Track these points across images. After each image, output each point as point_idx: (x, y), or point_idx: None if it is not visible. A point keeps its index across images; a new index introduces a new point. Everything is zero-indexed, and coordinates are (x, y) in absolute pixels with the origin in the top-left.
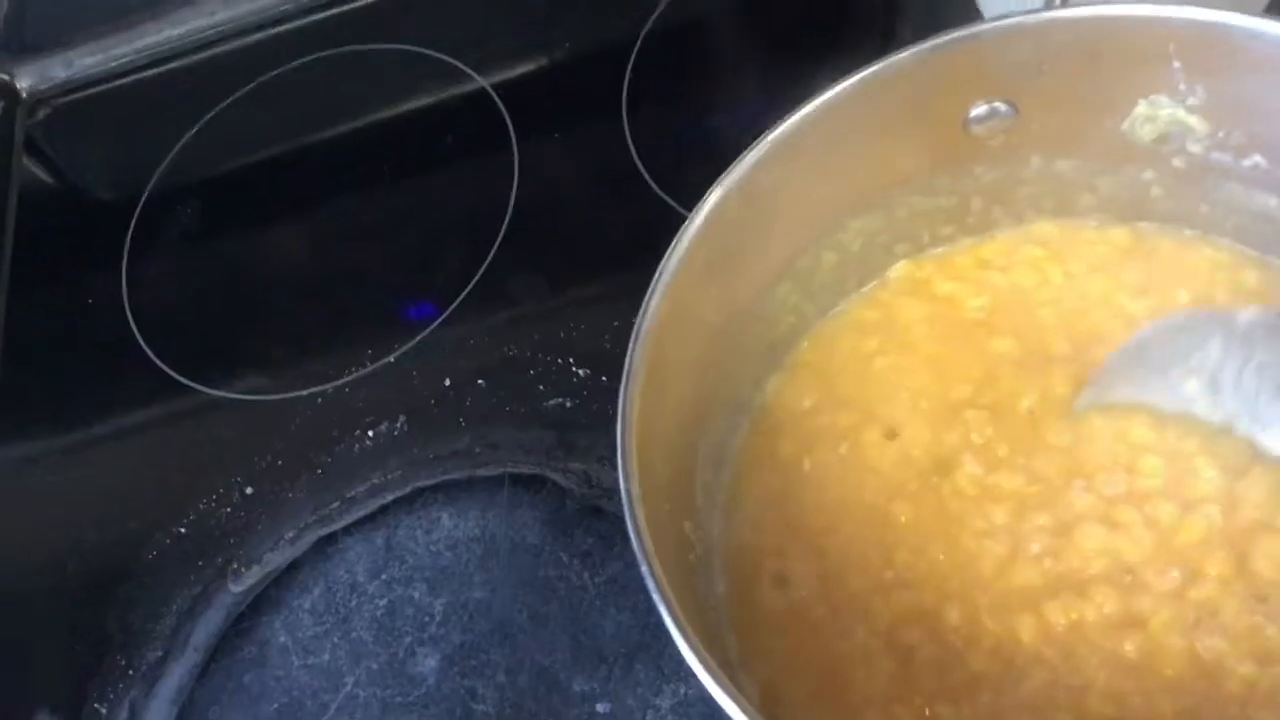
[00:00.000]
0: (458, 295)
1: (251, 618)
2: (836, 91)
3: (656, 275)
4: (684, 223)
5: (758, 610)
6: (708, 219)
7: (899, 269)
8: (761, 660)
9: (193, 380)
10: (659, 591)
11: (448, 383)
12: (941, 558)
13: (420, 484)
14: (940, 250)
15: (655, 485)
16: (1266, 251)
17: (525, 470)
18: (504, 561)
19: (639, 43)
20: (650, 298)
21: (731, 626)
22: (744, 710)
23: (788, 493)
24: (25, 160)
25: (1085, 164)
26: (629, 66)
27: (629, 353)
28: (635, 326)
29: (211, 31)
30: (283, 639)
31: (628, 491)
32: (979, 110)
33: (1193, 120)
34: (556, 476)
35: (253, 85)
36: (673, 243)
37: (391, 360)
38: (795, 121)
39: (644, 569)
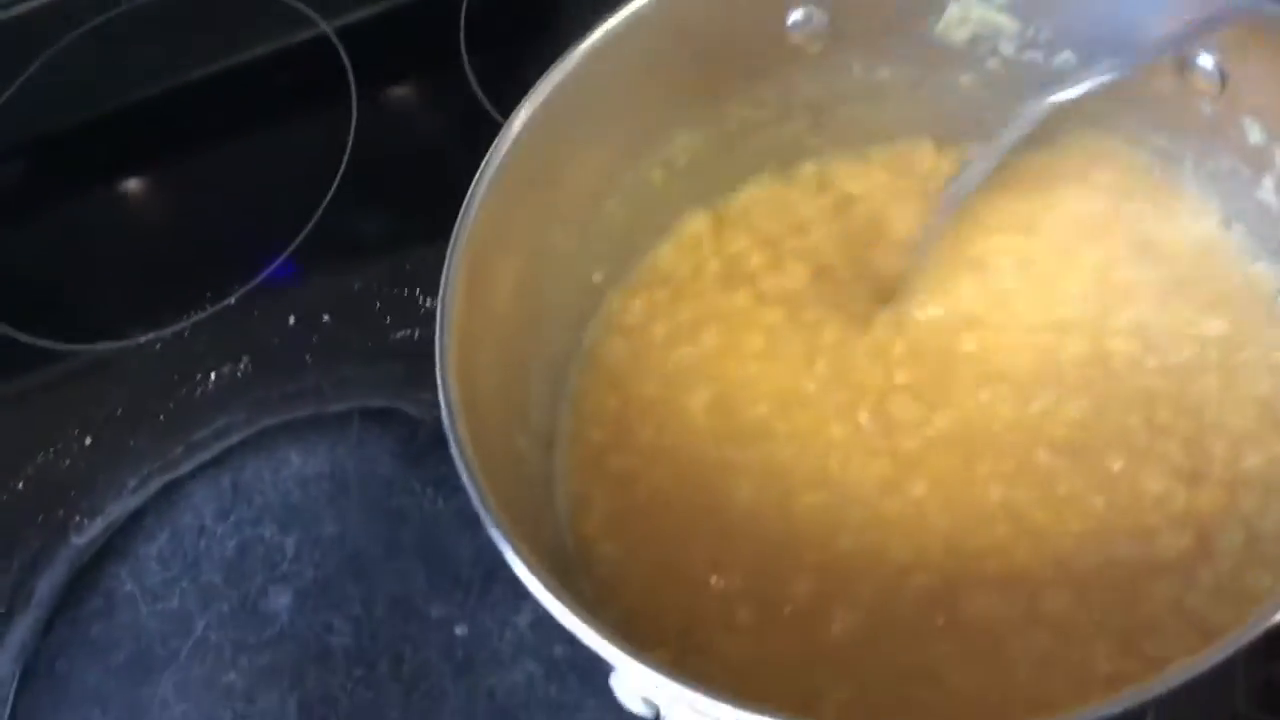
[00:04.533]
0: (297, 235)
1: (96, 569)
2: None
3: (473, 185)
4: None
5: (597, 513)
6: (524, 129)
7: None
8: (599, 563)
9: (24, 333)
10: (478, 493)
11: (292, 321)
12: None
13: (266, 424)
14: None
15: (482, 397)
16: None
17: (376, 404)
18: (355, 495)
19: None
20: (466, 208)
21: (570, 532)
22: (575, 615)
23: (625, 398)
24: None
25: (903, 71)
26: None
27: (445, 264)
28: (452, 237)
29: None
30: (129, 588)
31: (447, 402)
32: (796, 15)
33: (1003, 19)
34: (408, 407)
35: (75, 35)
36: (488, 153)
37: (232, 302)
38: (611, 27)
39: (464, 475)
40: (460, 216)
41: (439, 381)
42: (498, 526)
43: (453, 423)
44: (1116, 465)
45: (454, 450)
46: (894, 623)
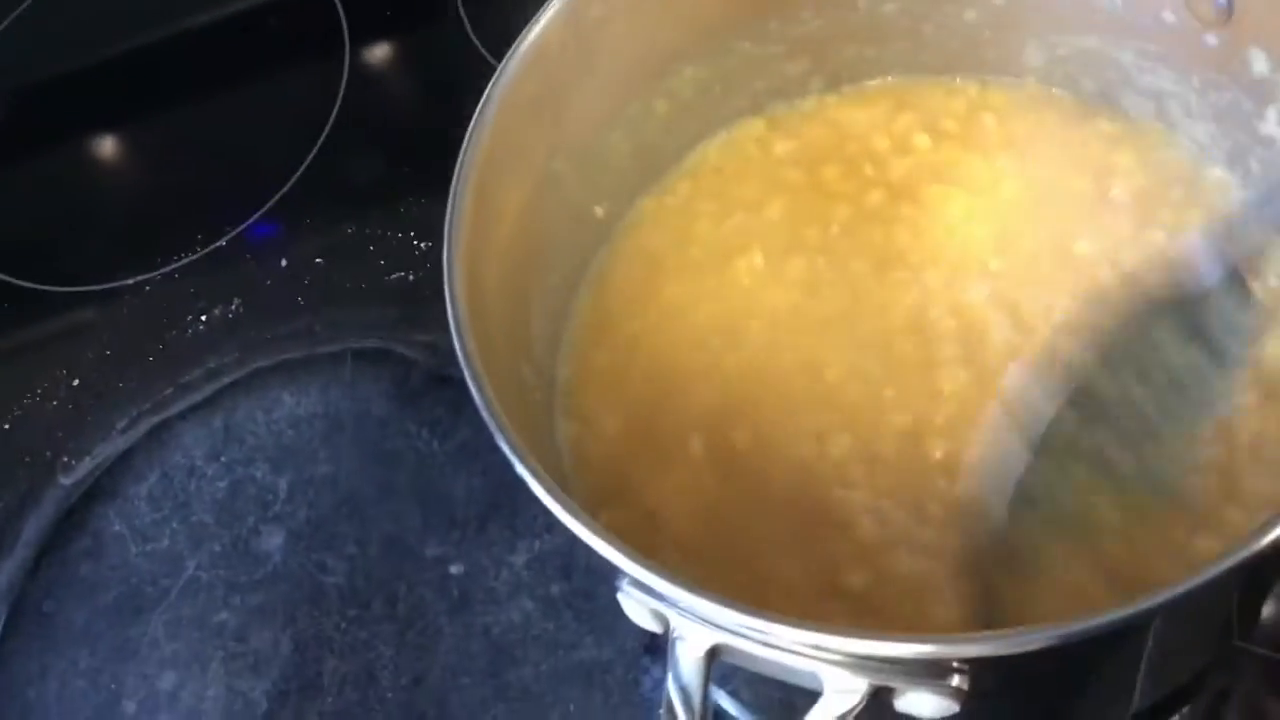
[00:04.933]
0: (289, 180)
1: (84, 509)
2: None
3: (478, 109)
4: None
5: (601, 443)
6: (530, 52)
7: (737, 125)
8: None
9: (11, 276)
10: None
11: (284, 264)
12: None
13: (258, 365)
14: (776, 106)
15: (489, 322)
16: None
17: (369, 345)
18: (349, 435)
19: None
20: (472, 133)
21: (572, 469)
22: (599, 535)
23: (627, 329)
24: None
25: (907, 6)
26: None
27: (451, 191)
28: (458, 162)
29: None
30: (118, 528)
31: (455, 318)
32: None
33: None
34: (401, 349)
35: None
36: (494, 77)
37: (223, 244)
38: None
39: (478, 400)
40: (465, 141)
41: (447, 296)
42: (507, 439)
43: (461, 337)
44: None
45: (461, 359)
46: None
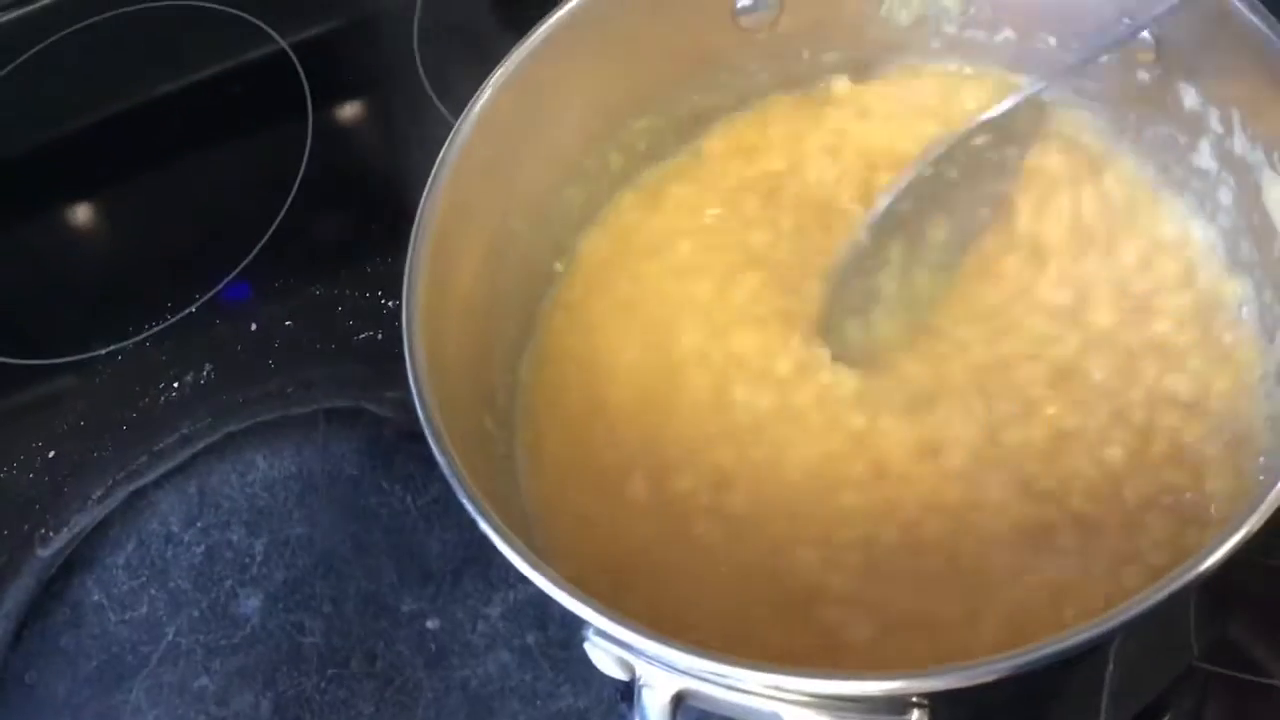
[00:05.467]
0: (256, 245)
1: (63, 580)
2: None
3: (433, 173)
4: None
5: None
6: (482, 116)
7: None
8: (564, 557)
9: None
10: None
11: (254, 327)
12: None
13: (231, 429)
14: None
15: (450, 375)
16: None
17: (340, 404)
18: (323, 495)
19: None
20: (427, 196)
21: (536, 519)
22: (561, 587)
23: (584, 379)
24: None
25: (851, 54)
26: (416, 13)
27: (409, 253)
28: (414, 225)
29: None
30: (97, 597)
31: (416, 381)
32: (745, 1)
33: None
34: (373, 406)
35: (32, 53)
36: (447, 140)
37: (193, 311)
38: (565, 12)
39: (440, 457)
40: (421, 205)
41: (406, 355)
42: (468, 494)
43: (421, 395)
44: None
45: (422, 417)
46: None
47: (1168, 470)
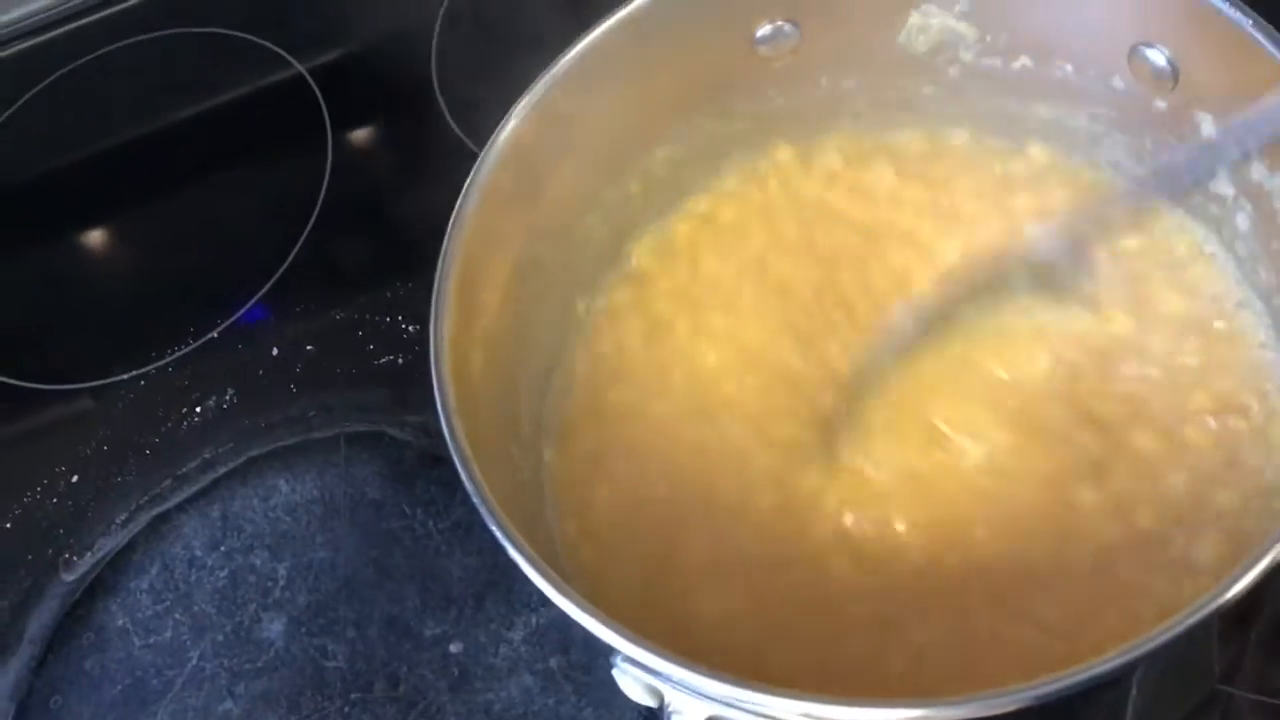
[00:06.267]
0: (277, 269)
1: (87, 604)
2: (625, 13)
3: (459, 201)
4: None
5: (587, 521)
6: (506, 145)
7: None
8: (582, 578)
9: (7, 376)
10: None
11: (275, 352)
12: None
13: (253, 453)
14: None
15: (476, 403)
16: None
17: (361, 428)
18: (346, 519)
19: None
20: (454, 224)
21: (562, 544)
22: (590, 613)
23: (609, 410)
24: None
25: (869, 80)
26: (434, 39)
27: (436, 280)
28: (441, 253)
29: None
30: (121, 622)
31: (444, 408)
32: (764, 30)
33: (962, 27)
34: (394, 430)
35: (53, 79)
36: (473, 169)
37: (215, 337)
38: (588, 43)
39: (468, 484)
40: (448, 233)
41: (434, 383)
42: (496, 520)
43: (449, 422)
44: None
45: (450, 444)
46: None
47: None
